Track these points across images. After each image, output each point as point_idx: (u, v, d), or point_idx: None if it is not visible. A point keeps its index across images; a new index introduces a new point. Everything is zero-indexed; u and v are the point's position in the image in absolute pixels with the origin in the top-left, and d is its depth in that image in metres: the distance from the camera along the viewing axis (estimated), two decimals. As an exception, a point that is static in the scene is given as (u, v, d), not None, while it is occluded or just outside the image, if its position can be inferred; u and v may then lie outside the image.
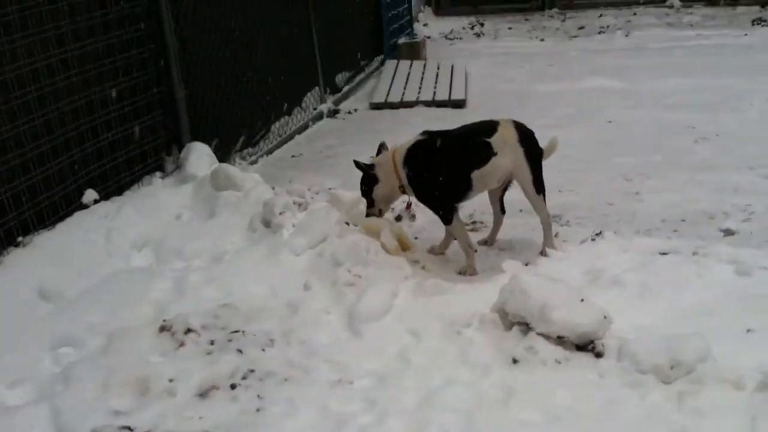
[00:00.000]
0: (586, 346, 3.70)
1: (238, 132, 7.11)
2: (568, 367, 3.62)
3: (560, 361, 3.64)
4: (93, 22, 5.26)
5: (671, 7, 13.78)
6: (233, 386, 3.60)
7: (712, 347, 3.57)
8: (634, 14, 13.66)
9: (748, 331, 3.88)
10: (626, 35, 12.31)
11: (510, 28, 13.67)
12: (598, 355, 3.66)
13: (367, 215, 4.97)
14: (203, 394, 3.55)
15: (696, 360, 3.46)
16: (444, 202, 4.81)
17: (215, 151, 6.13)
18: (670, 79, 9.33)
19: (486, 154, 4.77)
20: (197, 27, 6.44)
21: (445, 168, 4.73)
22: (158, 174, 5.83)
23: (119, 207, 5.19)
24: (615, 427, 3.22)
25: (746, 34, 11.61)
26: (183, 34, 6.17)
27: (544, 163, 5.02)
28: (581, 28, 13.19)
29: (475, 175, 4.78)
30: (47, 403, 3.48)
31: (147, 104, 5.82)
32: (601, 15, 13.79)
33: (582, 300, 3.83)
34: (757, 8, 13.18)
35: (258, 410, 3.45)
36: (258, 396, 3.54)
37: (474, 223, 5.61)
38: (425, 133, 4.90)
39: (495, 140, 4.78)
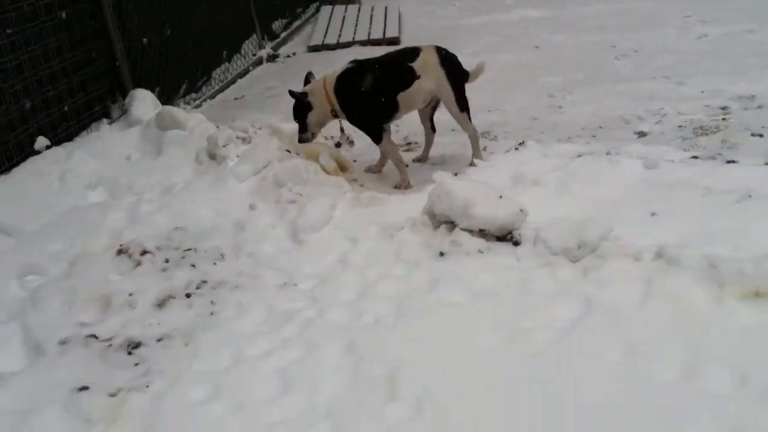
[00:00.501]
0: (505, 236, 4.10)
1: (179, 79, 7.37)
2: (489, 255, 4.01)
3: (482, 251, 4.04)
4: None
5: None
6: (188, 295, 3.95)
7: (619, 230, 3.98)
8: (563, -55, 13.95)
9: (652, 214, 4.29)
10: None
11: (443, -32, 13.90)
12: (516, 243, 4.06)
13: (300, 140, 5.26)
14: (161, 304, 3.89)
15: (599, 239, 3.86)
16: (374, 123, 5.16)
17: (159, 98, 6.40)
18: (593, 5, 9.75)
19: (410, 77, 5.12)
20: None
21: (372, 91, 5.07)
22: (105, 120, 6.11)
23: (70, 151, 5.48)
24: (529, 299, 3.60)
25: (666, -43, 11.99)
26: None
27: (474, 85, 5.38)
28: (512, -36, 13.46)
29: (401, 96, 5.13)
30: (18, 321, 3.81)
31: (87, 56, 6.06)
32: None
33: (500, 197, 4.22)
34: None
35: (212, 314, 3.80)
36: (211, 302, 3.89)
37: (408, 144, 5.98)
38: (353, 61, 5.23)
39: (417, 64, 5.13)
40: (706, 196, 4.39)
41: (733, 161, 4.81)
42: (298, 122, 5.27)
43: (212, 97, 7.67)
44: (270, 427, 2.97)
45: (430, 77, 5.15)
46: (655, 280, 3.55)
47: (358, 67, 5.19)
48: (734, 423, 2.68)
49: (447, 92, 5.22)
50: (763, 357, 2.98)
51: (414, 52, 5.21)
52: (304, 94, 5.19)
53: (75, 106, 5.85)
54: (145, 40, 6.78)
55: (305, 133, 5.26)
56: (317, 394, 3.12)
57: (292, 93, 5.19)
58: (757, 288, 3.33)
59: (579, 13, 9.57)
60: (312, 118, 5.20)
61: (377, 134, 5.20)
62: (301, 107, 5.20)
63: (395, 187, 5.22)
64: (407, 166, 5.32)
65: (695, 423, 2.72)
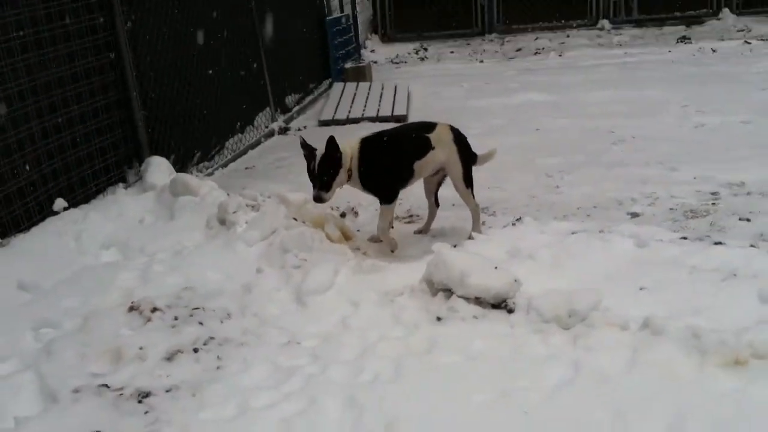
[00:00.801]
0: (500, 304, 4.30)
1: (194, 148, 7.67)
2: (484, 321, 4.21)
3: (477, 317, 4.24)
4: (59, 53, 5.83)
5: (602, 29, 14.64)
6: (196, 350, 4.13)
7: (608, 302, 4.19)
8: (568, 36, 14.49)
9: (641, 289, 4.50)
10: (559, 55, 13.12)
11: (452, 52, 14.42)
12: (510, 311, 4.26)
13: (320, 199, 5.18)
14: (169, 358, 4.07)
15: (589, 309, 4.07)
16: (391, 186, 5.44)
17: (173, 166, 6.67)
18: (596, 92, 10.11)
19: (425, 146, 5.45)
20: (155, 59, 7.06)
21: (395, 157, 5.40)
22: (121, 185, 6.36)
23: (87, 213, 5.72)
24: (522, 362, 3.79)
25: (670, 51, 12.48)
26: (140, 63, 6.77)
27: (481, 167, 5.69)
28: (518, 50, 13.99)
29: (417, 165, 5.44)
30: (32, 371, 3.97)
31: (109, 124, 6.37)
32: (537, 38, 14.60)
33: (495, 268, 4.45)
34: (682, 27, 14.07)
35: (218, 368, 3.98)
36: (218, 357, 4.07)
37: (410, 216, 6.23)
38: (373, 133, 5.57)
39: (433, 136, 5.48)
40: (693, 274, 4.61)
41: (720, 243, 5.02)
42: (319, 179, 5.18)
43: (224, 166, 7.97)
44: (272, 476, 3.13)
45: (443, 150, 5.47)
46: (641, 348, 3.75)
47: (379, 135, 5.53)
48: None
49: (456, 167, 5.52)
50: (741, 419, 3.16)
51: (430, 126, 5.56)
52: (339, 151, 5.25)
53: (93, 170, 6.13)
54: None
55: (328, 192, 5.21)
56: (318, 444, 3.29)
57: (332, 142, 5.19)
58: (737, 357, 3.53)
59: (582, 98, 9.94)
60: (339, 177, 5.28)
61: (392, 196, 5.45)
62: (332, 163, 5.20)
63: (369, 240, 5.59)
64: (392, 227, 5.67)
65: (674, 482, 2.88)
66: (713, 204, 5.92)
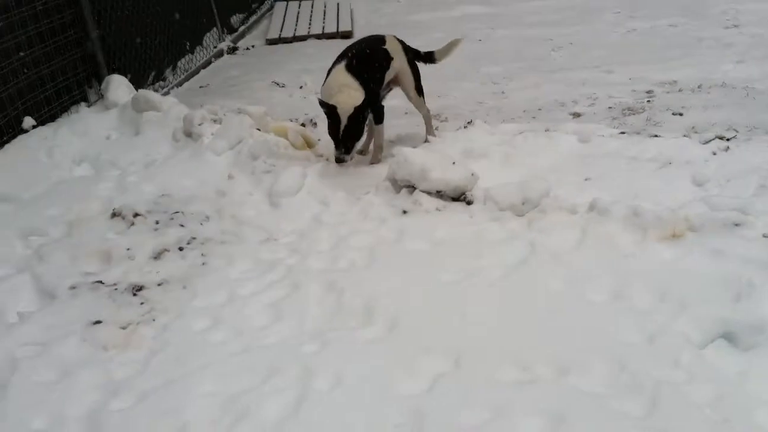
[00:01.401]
0: (459, 197, 4.68)
1: (148, 68, 7.80)
2: (446, 212, 4.59)
3: (440, 209, 4.61)
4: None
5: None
6: (181, 248, 4.44)
7: (557, 192, 4.61)
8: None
9: (586, 179, 4.94)
10: (495, -33, 13.30)
11: (390, -31, 14.48)
12: (469, 202, 4.65)
13: (341, 161, 5.16)
14: (157, 257, 4.37)
15: (540, 196, 4.48)
16: (381, 105, 5.56)
17: (129, 85, 6.83)
18: (533, 2, 10.44)
19: (388, 58, 5.58)
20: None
21: (377, 76, 5.46)
22: (84, 104, 6.51)
23: (55, 130, 5.91)
24: (482, 246, 4.18)
25: (603, -41, 12.77)
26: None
27: (425, 73, 5.95)
28: (456, -36, 14.11)
29: (386, 76, 5.59)
30: (27, 273, 4.23)
31: (66, 43, 6.47)
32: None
33: (454, 163, 4.81)
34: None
35: (203, 264, 4.29)
36: (202, 254, 4.38)
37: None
38: (341, 58, 5.41)
39: (388, 47, 5.64)
40: (632, 164, 5.06)
41: (656, 135, 5.46)
42: (344, 143, 5.12)
43: (179, 85, 8.14)
44: (267, 347, 3.48)
45: (397, 60, 5.64)
46: (589, 228, 4.18)
47: (355, 57, 5.37)
48: (653, 329, 3.30)
49: (408, 76, 5.74)
50: (677, 281, 3.61)
51: (381, 39, 5.70)
52: (364, 114, 5.18)
53: (57, 89, 6.26)
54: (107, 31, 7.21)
55: (349, 155, 5.18)
56: (305, 322, 3.65)
57: (356, 112, 5.05)
58: (673, 231, 3.98)
59: (519, 8, 10.26)
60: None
61: (382, 113, 5.57)
62: (357, 130, 5.15)
63: (371, 163, 5.58)
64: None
65: (621, 330, 3.33)
66: (648, 101, 6.37)
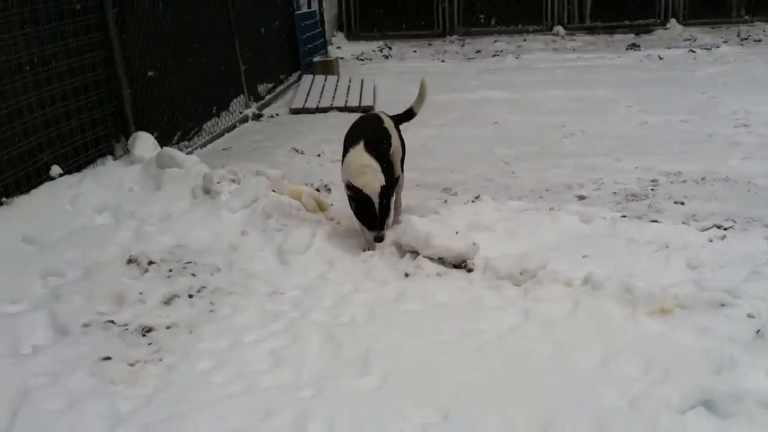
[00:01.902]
0: (460, 264, 4.88)
1: (175, 128, 8.15)
2: (446, 278, 4.79)
3: (440, 275, 4.81)
4: (54, 30, 6.29)
5: (557, 34, 15.35)
6: (190, 296, 4.63)
7: (555, 266, 4.79)
8: (525, 40, 15.17)
9: (584, 256, 5.11)
10: (516, 57, 13.78)
11: (415, 51, 15.01)
12: (469, 270, 4.84)
13: (381, 239, 5.14)
14: (167, 302, 4.56)
15: (538, 268, 4.66)
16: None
17: (156, 143, 7.15)
18: (550, 91, 10.79)
19: (388, 136, 5.70)
20: (141, 42, 7.54)
21: (386, 154, 5.52)
22: (110, 157, 6.82)
23: (80, 179, 6.19)
24: (478, 311, 4.36)
25: (620, 57, 13.23)
26: (126, 44, 7.24)
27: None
28: (478, 51, 14.62)
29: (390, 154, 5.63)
30: (44, 310, 4.42)
31: (98, 99, 6.82)
32: (495, 41, 15.28)
33: (457, 232, 5.04)
34: (632, 35, 14.85)
35: (211, 311, 4.48)
36: (210, 303, 4.57)
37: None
38: (357, 139, 5.40)
39: (386, 126, 5.76)
40: (630, 245, 5.24)
41: (656, 221, 5.65)
42: (380, 222, 5.13)
43: (203, 146, 8.46)
44: (265, 390, 3.65)
45: (394, 136, 5.75)
46: (582, 300, 4.36)
47: (369, 140, 5.41)
48: (636, 395, 3.45)
49: (399, 152, 5.79)
50: (663, 353, 3.77)
51: (378, 117, 5.83)
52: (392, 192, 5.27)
53: (85, 141, 6.57)
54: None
55: (385, 230, 5.18)
56: (303, 369, 3.82)
57: (384, 191, 5.10)
58: (662, 307, 4.14)
59: (537, 96, 10.60)
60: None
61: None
62: (388, 206, 5.22)
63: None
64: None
65: (605, 395, 3.48)
66: (652, 189, 6.58)
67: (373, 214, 5.09)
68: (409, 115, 6.12)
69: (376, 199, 5.06)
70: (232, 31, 9.81)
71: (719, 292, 4.19)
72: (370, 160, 5.25)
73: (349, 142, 5.46)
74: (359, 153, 5.28)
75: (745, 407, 3.32)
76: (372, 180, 5.13)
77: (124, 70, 7.10)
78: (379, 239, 5.14)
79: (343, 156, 5.42)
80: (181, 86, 8.32)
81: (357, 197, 5.10)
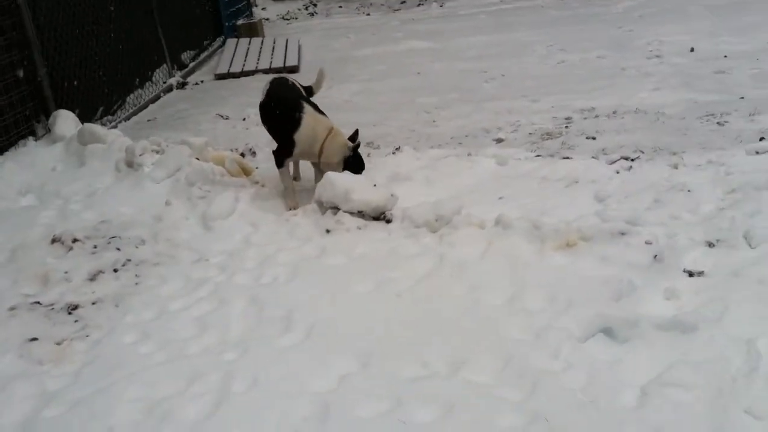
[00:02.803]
0: (379, 216, 5.02)
1: (97, 103, 8.10)
2: (366, 231, 4.93)
3: (360, 228, 4.95)
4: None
5: (480, -22, 15.39)
6: (116, 270, 4.71)
7: (472, 209, 4.96)
8: (449, -13, 15.21)
9: (499, 198, 5.30)
10: (441, 6, 13.86)
11: (340, 7, 15.00)
12: (388, 221, 4.99)
13: None
14: (92, 278, 4.63)
15: (452, 214, 4.82)
16: None
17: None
18: (472, 38, 10.91)
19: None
20: (54, 20, 7.44)
21: None
22: (31, 138, 6.78)
23: (1, 163, 6.16)
24: (396, 259, 4.52)
25: (541, -3, 13.37)
26: (40, 22, 7.15)
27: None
28: (403, 2, 14.66)
29: None
30: (-33, 296, 4.49)
31: (14, 81, 6.76)
32: (420, -10, 15.31)
33: (375, 185, 5.17)
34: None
35: (137, 284, 4.56)
36: (136, 275, 4.66)
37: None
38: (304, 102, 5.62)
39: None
40: (543, 183, 5.45)
41: (567, 157, 5.86)
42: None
43: (127, 119, 8.44)
44: (191, 357, 3.77)
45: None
46: (494, 240, 4.54)
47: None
48: (541, 326, 3.65)
49: None
50: (566, 284, 3.97)
51: (283, 78, 6.02)
52: None
53: (4, 124, 6.53)
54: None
55: None
56: (228, 332, 3.95)
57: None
58: (567, 240, 4.35)
59: (459, 43, 10.73)
60: None
61: None
62: None
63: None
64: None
65: (512, 329, 3.68)
66: (566, 127, 6.79)
67: None
68: (308, 91, 6.10)
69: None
70: (149, 2, 9.70)
71: (620, 222, 4.40)
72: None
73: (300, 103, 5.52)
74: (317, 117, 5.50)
75: (641, 331, 3.55)
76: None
77: (39, 49, 7.02)
78: None
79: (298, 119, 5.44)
80: (100, 61, 8.26)
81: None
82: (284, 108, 5.57)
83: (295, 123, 5.45)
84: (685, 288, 3.86)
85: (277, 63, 10.39)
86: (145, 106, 8.98)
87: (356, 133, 5.54)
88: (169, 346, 3.87)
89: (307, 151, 5.53)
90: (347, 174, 5.31)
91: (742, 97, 7.01)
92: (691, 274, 3.97)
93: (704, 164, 5.22)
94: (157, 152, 6.18)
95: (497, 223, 4.68)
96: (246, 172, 6.10)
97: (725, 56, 8.39)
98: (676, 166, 5.28)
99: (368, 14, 13.99)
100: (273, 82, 5.89)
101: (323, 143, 5.45)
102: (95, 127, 6.54)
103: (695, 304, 3.70)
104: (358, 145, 5.53)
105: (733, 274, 3.92)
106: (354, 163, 5.49)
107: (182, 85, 9.95)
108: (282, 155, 5.53)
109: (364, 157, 6.15)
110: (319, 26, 13.41)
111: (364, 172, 5.54)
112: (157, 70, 9.70)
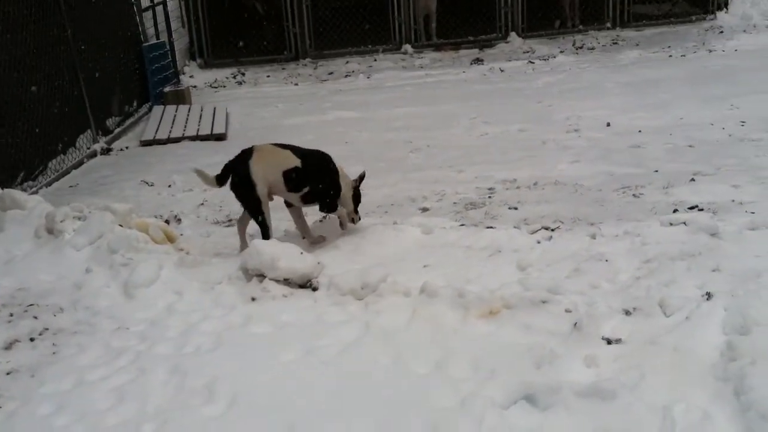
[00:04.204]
0: (306, 284, 5.03)
1: (17, 168, 7.96)
2: (293, 298, 4.92)
3: (286, 296, 4.93)
4: None
5: (405, 53, 15.75)
6: (32, 339, 4.59)
7: (398, 277, 5.00)
8: (375, 60, 15.47)
9: (425, 266, 5.36)
10: (368, 77, 14.07)
11: (268, 76, 15.07)
12: (314, 289, 4.99)
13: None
14: (8, 347, 4.50)
15: (378, 281, 4.86)
16: None
17: (-3, 186, 6.97)
18: (398, 109, 11.12)
19: None
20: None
21: None
22: (-54, 204, 6.59)
23: None
24: (323, 328, 4.50)
25: (464, 72, 13.71)
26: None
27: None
28: (330, 73, 14.83)
29: None
30: None
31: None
32: (347, 62, 15.51)
33: (301, 253, 5.18)
34: (476, 50, 15.44)
35: (54, 353, 4.44)
36: (53, 344, 4.54)
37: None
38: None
39: None
40: (467, 252, 5.53)
41: (491, 227, 5.97)
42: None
43: (48, 185, 8.29)
44: (108, 430, 3.68)
45: None
46: (419, 308, 4.58)
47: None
48: (466, 394, 3.68)
49: None
50: (491, 352, 4.03)
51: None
52: None
53: None
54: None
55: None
56: (147, 403, 3.86)
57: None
58: (491, 308, 4.42)
59: (386, 114, 10.90)
60: None
61: None
62: None
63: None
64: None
65: (440, 398, 3.70)
66: (489, 197, 6.96)
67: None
68: None
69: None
70: (74, 67, 9.65)
71: (542, 290, 4.50)
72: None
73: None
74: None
75: (563, 398, 3.62)
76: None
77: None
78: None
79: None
80: (21, 125, 8.14)
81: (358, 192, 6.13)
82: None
83: None
84: (603, 355, 3.95)
85: (205, 130, 10.38)
86: (67, 172, 8.85)
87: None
88: (85, 418, 3.77)
89: None
90: (274, 242, 5.31)
91: (657, 171, 7.29)
92: (609, 342, 4.07)
93: (621, 235, 5.38)
94: (79, 219, 6.09)
95: (422, 291, 4.73)
96: (170, 239, 6.05)
97: (640, 131, 8.73)
98: (594, 237, 5.44)
99: (296, 84, 14.14)
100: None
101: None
102: (15, 193, 6.43)
103: (613, 371, 3.79)
104: None
105: (649, 342, 4.03)
106: None
107: (107, 151, 9.85)
108: None
109: (291, 225, 6.22)
110: (247, 95, 13.47)
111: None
112: (81, 136, 9.60)
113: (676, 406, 3.49)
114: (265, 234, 5.84)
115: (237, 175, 5.82)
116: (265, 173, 5.79)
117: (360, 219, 6.18)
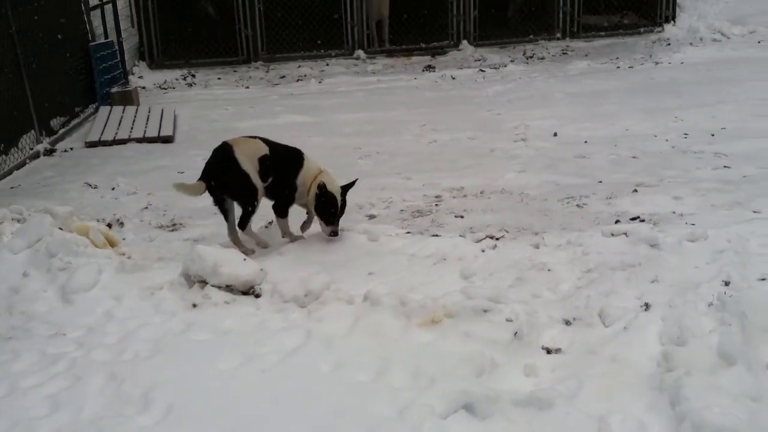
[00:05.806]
0: (248, 290, 4.98)
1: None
2: (234, 305, 4.86)
3: (228, 302, 4.88)
4: None
5: (358, 58, 15.76)
6: (-37, 347, 4.47)
7: (342, 285, 4.99)
8: (327, 65, 15.45)
9: (369, 273, 5.35)
10: (320, 82, 14.04)
11: (219, 78, 14.94)
12: (257, 296, 4.95)
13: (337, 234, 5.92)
14: (-64, 358, 4.39)
15: (322, 289, 4.85)
16: None
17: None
18: (349, 114, 11.11)
19: None
20: None
21: None
22: None
23: None
24: (265, 335, 4.47)
25: (416, 78, 13.75)
26: None
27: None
28: (282, 77, 14.77)
29: None
30: None
31: None
32: (299, 66, 15.45)
33: (244, 259, 5.14)
34: (428, 57, 15.50)
35: (-14, 361, 4.35)
36: (-14, 351, 4.44)
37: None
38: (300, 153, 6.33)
39: None
40: (412, 260, 5.53)
41: (437, 235, 5.99)
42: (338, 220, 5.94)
43: (-12, 186, 8.11)
44: (42, 437, 3.60)
45: None
46: (362, 316, 4.57)
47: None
48: (405, 403, 3.69)
49: None
50: (431, 360, 4.04)
51: None
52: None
53: None
54: None
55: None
56: (83, 411, 3.80)
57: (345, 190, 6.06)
58: (432, 317, 4.43)
59: (337, 119, 10.88)
60: None
61: None
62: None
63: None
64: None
65: (379, 406, 3.69)
66: (436, 205, 6.98)
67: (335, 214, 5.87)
68: None
69: (338, 198, 5.88)
70: (18, 65, 9.45)
71: (483, 299, 4.52)
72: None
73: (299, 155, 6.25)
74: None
75: (501, 407, 3.65)
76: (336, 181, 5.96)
77: None
78: (335, 233, 5.85)
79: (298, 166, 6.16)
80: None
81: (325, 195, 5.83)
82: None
83: None
84: (543, 365, 3.99)
85: (152, 132, 10.25)
86: (9, 173, 8.65)
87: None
88: (18, 426, 3.70)
89: None
90: (216, 247, 5.26)
91: (600, 181, 7.39)
92: (549, 351, 4.11)
93: (564, 244, 5.44)
94: (19, 221, 5.96)
95: (365, 299, 4.72)
96: (111, 243, 5.94)
97: (586, 141, 8.84)
98: (537, 246, 5.49)
99: (247, 87, 14.04)
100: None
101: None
102: (-49, 194, 6.26)
103: (552, 380, 3.83)
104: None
105: (588, 352, 4.09)
106: None
107: (50, 152, 9.66)
108: None
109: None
110: (197, 97, 13.33)
111: None
112: (24, 136, 9.39)
113: (613, 416, 3.54)
114: (245, 222, 5.98)
115: (227, 171, 5.84)
116: (251, 162, 5.88)
117: (338, 232, 5.89)
